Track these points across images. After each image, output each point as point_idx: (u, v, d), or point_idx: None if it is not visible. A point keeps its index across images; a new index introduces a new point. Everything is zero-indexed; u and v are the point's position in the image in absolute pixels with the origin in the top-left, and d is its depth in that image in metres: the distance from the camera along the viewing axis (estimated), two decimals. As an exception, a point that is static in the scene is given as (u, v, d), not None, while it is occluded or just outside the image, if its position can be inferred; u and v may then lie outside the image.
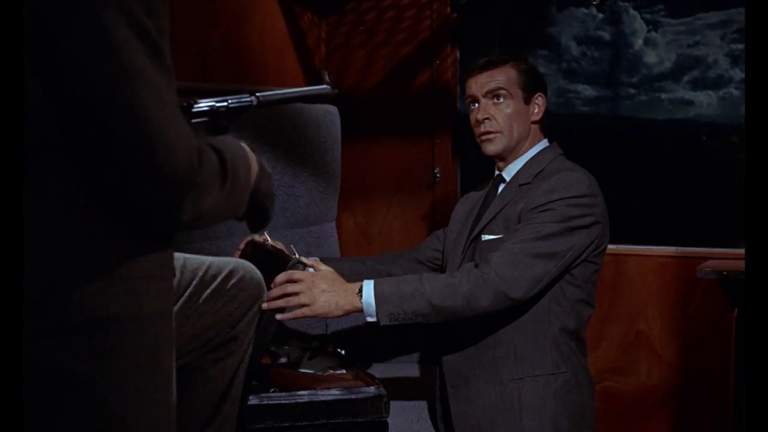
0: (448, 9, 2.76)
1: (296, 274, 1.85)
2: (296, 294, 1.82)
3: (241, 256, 2.01)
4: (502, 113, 2.06)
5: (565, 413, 1.94)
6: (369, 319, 1.86)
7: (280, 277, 1.84)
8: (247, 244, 2.07)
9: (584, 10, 2.65)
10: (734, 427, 2.37)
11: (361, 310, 1.85)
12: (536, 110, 2.09)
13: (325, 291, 1.84)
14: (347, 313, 1.86)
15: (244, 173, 1.25)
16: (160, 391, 1.16)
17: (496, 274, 1.85)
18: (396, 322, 1.85)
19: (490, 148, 2.08)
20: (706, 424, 2.50)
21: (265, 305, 1.74)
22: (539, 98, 2.09)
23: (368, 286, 1.85)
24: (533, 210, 1.94)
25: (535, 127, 2.10)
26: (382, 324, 1.85)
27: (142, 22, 1.07)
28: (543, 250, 1.88)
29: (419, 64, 2.80)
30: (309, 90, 1.64)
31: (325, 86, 1.61)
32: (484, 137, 2.07)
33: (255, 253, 2.02)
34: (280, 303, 1.80)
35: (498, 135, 2.06)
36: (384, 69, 2.85)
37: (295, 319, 1.86)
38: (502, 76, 2.06)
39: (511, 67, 2.07)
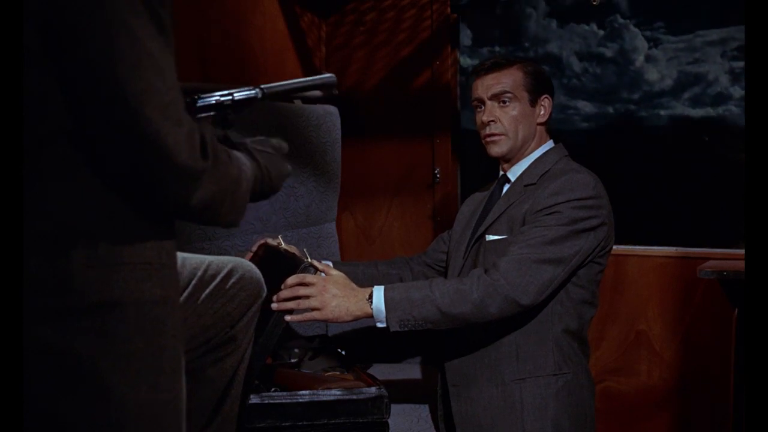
0: (448, 9, 2.77)
1: (308, 277, 1.85)
2: (307, 297, 1.83)
3: (253, 258, 2.01)
4: (508, 116, 2.06)
5: (566, 414, 1.95)
6: (379, 325, 1.86)
7: (292, 280, 1.85)
8: (260, 246, 2.08)
9: (585, 26, 2.66)
10: (734, 427, 2.37)
11: (371, 316, 1.86)
12: (542, 112, 2.09)
13: (336, 296, 1.85)
14: (357, 319, 1.87)
15: (246, 177, 1.26)
16: (163, 376, 1.16)
17: (506, 280, 1.85)
18: (406, 329, 1.86)
19: (495, 150, 2.08)
20: (706, 424, 2.50)
21: (275, 305, 1.77)
22: (545, 100, 2.09)
23: (378, 292, 1.86)
24: (539, 212, 1.93)
25: (541, 128, 2.10)
26: (392, 330, 1.85)
27: (155, 8, 1.09)
28: (550, 255, 1.88)
29: (419, 65, 2.81)
30: (312, 80, 1.63)
31: (329, 75, 1.60)
32: (489, 139, 2.08)
33: (268, 255, 2.02)
34: (291, 305, 1.81)
35: (503, 137, 2.06)
36: (384, 69, 2.86)
37: (305, 321, 1.87)
38: (508, 79, 2.06)
39: (517, 69, 2.07)
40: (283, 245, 2.04)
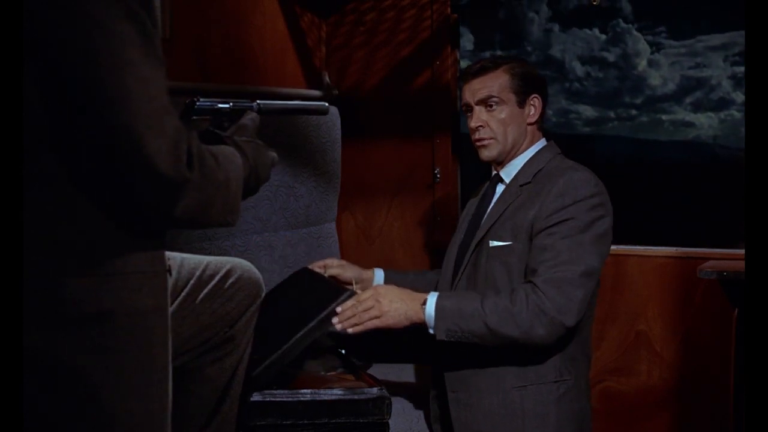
0: (448, 9, 2.76)
1: (362, 296, 1.89)
2: (367, 310, 1.87)
3: (291, 278, 2.11)
4: (495, 120, 2.05)
5: (567, 420, 1.94)
6: (430, 331, 1.89)
7: (349, 303, 1.87)
8: (305, 270, 2.15)
9: (588, 31, 2.66)
10: (734, 427, 2.37)
11: (424, 322, 1.89)
12: (532, 112, 2.07)
13: (392, 301, 1.88)
14: (413, 324, 1.90)
15: (235, 177, 1.25)
16: (153, 386, 1.16)
17: (550, 303, 1.84)
18: (453, 339, 1.88)
19: (486, 155, 2.08)
20: (706, 424, 2.50)
21: (339, 326, 1.84)
22: (534, 99, 2.08)
23: (432, 299, 1.89)
24: (549, 218, 1.92)
25: (532, 128, 2.09)
26: (438, 339, 1.88)
27: (139, 14, 1.07)
28: (583, 268, 1.87)
29: (419, 65, 2.80)
30: (306, 104, 1.75)
31: (322, 103, 1.71)
32: (479, 143, 2.08)
33: (308, 278, 2.11)
34: (354, 320, 1.86)
35: (492, 141, 2.06)
36: (384, 69, 2.85)
37: (366, 330, 1.89)
38: (493, 83, 2.05)
39: (503, 71, 2.06)
40: (329, 270, 2.14)
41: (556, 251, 1.88)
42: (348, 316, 1.86)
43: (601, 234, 1.92)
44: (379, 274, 2.22)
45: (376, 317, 1.87)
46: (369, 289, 1.91)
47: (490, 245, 2.00)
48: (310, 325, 1.84)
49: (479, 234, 2.04)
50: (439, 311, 1.87)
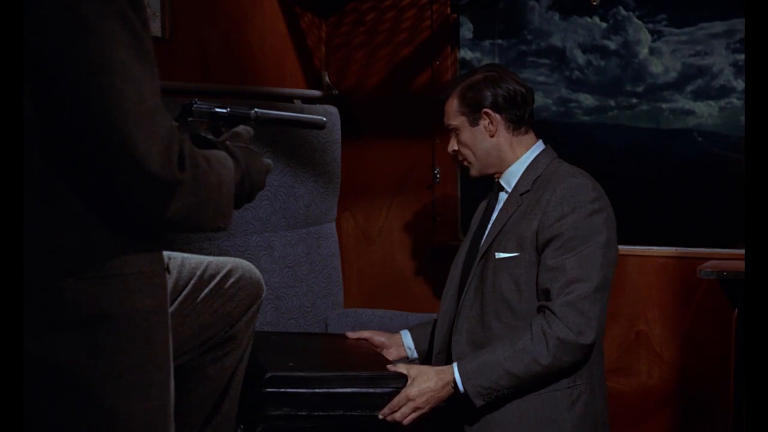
0: (448, 9, 2.76)
1: (395, 402, 1.85)
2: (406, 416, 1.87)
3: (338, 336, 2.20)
4: (461, 144, 2.11)
5: (582, 424, 1.94)
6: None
7: (387, 412, 1.85)
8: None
9: (588, 19, 2.65)
10: (734, 427, 2.37)
11: (460, 395, 1.90)
12: (489, 125, 2.06)
13: (428, 400, 1.88)
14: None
15: (227, 180, 1.24)
16: (153, 386, 1.16)
17: (568, 327, 1.85)
18: (491, 399, 1.90)
19: (471, 174, 2.14)
20: (706, 424, 2.50)
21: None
22: (485, 114, 2.06)
23: (456, 373, 1.89)
24: (551, 228, 1.92)
25: (505, 138, 2.07)
26: (478, 406, 1.90)
27: (128, 14, 1.07)
28: (595, 283, 1.88)
29: (419, 65, 2.80)
30: (302, 116, 1.77)
31: (320, 117, 1.73)
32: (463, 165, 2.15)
33: (356, 343, 2.16)
34: (402, 423, 1.86)
35: (467, 162, 2.12)
36: (384, 69, 2.85)
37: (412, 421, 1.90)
38: (449, 111, 2.11)
39: (454, 96, 2.10)
40: (361, 333, 2.20)
41: (565, 271, 1.89)
42: (388, 415, 1.85)
43: (606, 240, 1.92)
44: (406, 336, 2.23)
45: (417, 413, 1.87)
46: (402, 394, 1.85)
47: (496, 257, 1.99)
48: (342, 378, 1.82)
49: (484, 245, 2.04)
50: (465, 379, 1.88)
